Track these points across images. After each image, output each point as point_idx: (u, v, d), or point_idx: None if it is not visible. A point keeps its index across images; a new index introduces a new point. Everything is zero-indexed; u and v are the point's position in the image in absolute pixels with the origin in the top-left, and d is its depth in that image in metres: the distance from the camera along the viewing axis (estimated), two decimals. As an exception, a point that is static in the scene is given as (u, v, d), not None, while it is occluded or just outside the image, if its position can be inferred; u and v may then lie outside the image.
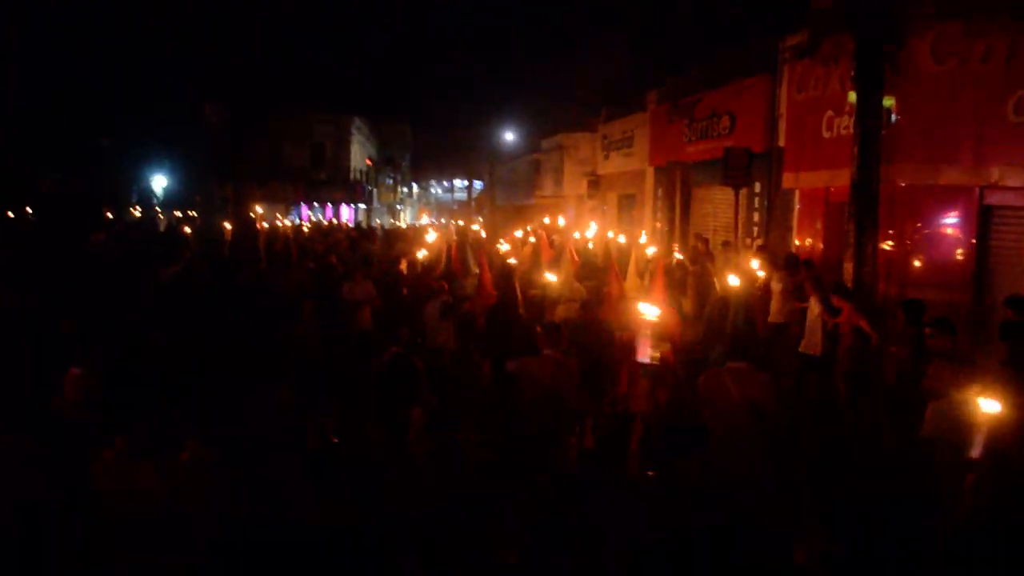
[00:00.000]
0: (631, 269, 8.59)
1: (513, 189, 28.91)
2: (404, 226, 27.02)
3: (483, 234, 14.71)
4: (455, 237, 11.75)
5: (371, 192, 39.29)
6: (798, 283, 7.48)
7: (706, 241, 11.14)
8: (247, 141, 31.05)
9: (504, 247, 11.02)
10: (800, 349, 6.84)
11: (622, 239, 11.90)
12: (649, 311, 4.64)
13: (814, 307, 6.78)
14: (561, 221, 16.40)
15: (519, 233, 13.11)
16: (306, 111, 33.52)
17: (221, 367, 5.60)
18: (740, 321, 6.97)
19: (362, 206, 37.90)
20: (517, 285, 7.83)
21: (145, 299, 8.41)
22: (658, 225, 14.90)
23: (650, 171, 15.79)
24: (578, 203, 20.74)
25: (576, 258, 9.00)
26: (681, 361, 5.87)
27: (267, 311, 7.83)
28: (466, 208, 38.86)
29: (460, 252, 9.89)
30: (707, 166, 12.62)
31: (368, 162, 39.97)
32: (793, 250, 9.38)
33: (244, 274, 9.81)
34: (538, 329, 5.24)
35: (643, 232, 13.26)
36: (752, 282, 7.91)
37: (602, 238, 12.13)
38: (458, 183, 52.64)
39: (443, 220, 25.86)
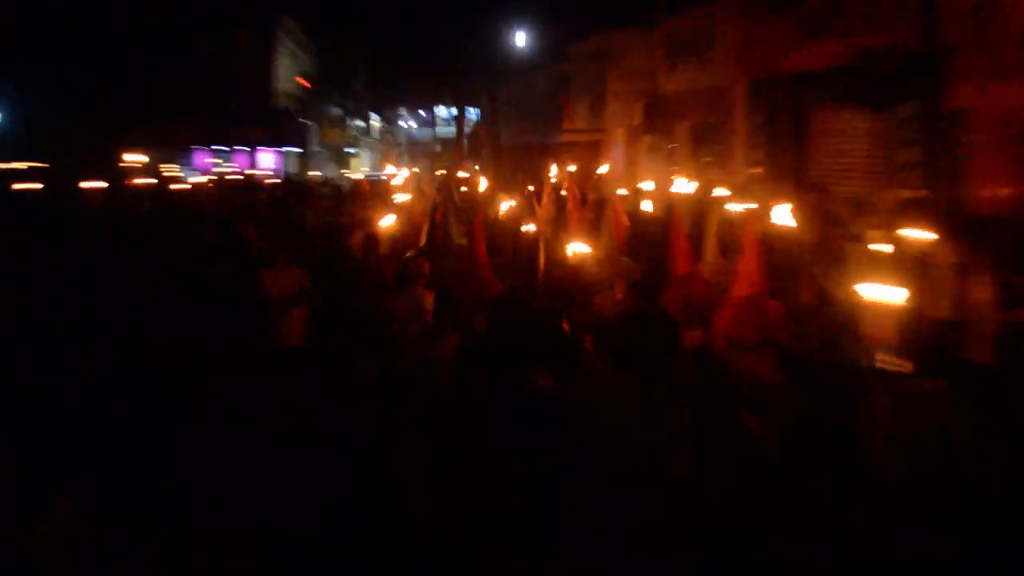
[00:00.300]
0: (709, 240, 8.63)
1: (528, 120, 28.99)
2: (360, 178, 27.00)
3: (481, 187, 14.62)
4: (436, 195, 11.75)
5: (308, 128, 39.37)
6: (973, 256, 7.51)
7: (828, 193, 10.98)
8: (119, 56, 31.22)
9: (506, 204, 11.00)
10: (961, 355, 6.88)
11: (691, 188, 11.80)
12: (887, 294, 4.64)
13: (987, 291, 6.89)
14: (603, 168, 16.48)
15: (532, 188, 13.17)
16: (210, 9, 33.52)
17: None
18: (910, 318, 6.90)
19: (294, 150, 38.07)
20: (540, 262, 7.99)
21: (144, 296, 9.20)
22: (756, 170, 14.79)
23: (741, 88, 15.75)
24: (629, 139, 20.79)
25: (625, 222, 9.21)
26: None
27: (162, 311, 8.17)
28: (456, 150, 38.65)
29: (442, 217, 10.07)
30: (832, 78, 12.58)
31: (303, 83, 39.95)
32: (971, 205, 9.39)
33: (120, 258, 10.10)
34: (565, 325, 5.28)
35: (730, 181, 13.12)
36: (910, 258, 7.97)
37: (664, 192, 12.12)
38: (443, 113, 52.18)
39: (419, 170, 25.02)
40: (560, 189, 12.70)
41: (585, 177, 15.09)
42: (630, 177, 15.25)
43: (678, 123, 18.92)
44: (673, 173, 14.54)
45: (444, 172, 20.42)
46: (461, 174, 16.51)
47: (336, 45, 42.84)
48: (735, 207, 10.40)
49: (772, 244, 8.17)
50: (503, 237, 10.18)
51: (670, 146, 19.17)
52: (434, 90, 44.20)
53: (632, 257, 8.49)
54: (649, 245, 9.14)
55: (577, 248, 8.17)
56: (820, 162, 13.55)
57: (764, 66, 14.63)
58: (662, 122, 19.36)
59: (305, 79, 40.31)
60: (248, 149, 36.07)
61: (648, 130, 19.69)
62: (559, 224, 10.59)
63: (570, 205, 10.88)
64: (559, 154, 21.99)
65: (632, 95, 20.44)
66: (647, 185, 12.42)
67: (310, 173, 29.56)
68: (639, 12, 19.85)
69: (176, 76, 32.19)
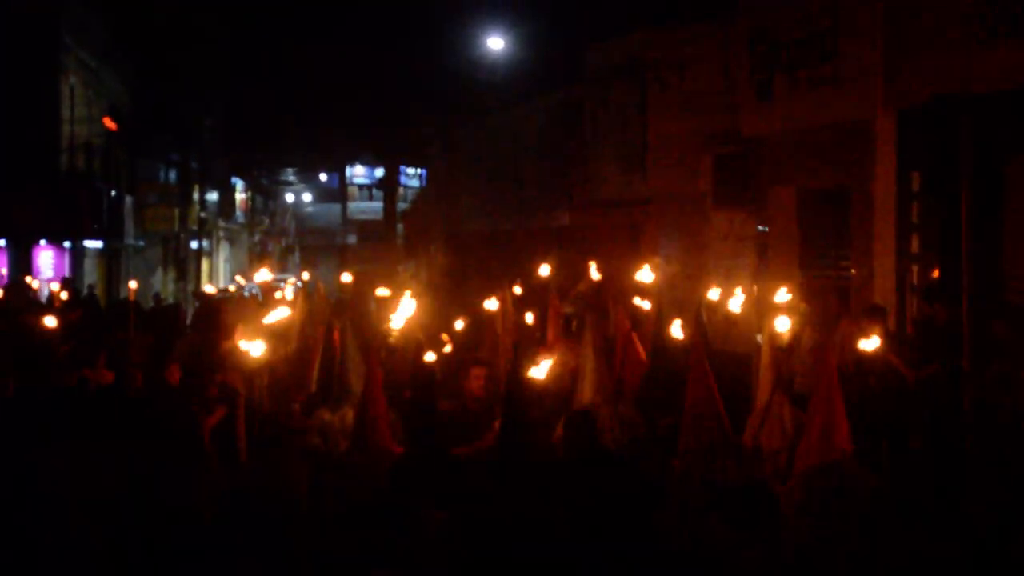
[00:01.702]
0: (764, 377, 7.85)
1: (508, 188, 23.95)
2: (210, 291, 22.03)
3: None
4: (335, 326, 10.03)
5: (122, 206, 27.19)
6: None
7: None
8: None
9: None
10: None
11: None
12: None
13: None
14: (593, 272, 13.85)
15: (492, 303, 11.04)
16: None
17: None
18: None
19: (94, 245, 25.81)
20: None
21: None
22: (912, 271, 12.54)
23: (885, 121, 12.82)
24: (686, 216, 17.67)
25: (640, 355, 9.16)
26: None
27: None
28: (383, 239, 33.13)
29: (339, 346, 9.11)
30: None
31: (110, 125, 27.30)
32: None
33: None
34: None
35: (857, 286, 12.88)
36: None
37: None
38: (361, 178, 43.45)
39: (308, 276, 20.37)
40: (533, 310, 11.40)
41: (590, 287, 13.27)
42: (686, 281, 13.98)
43: (775, 189, 15.23)
44: (766, 275, 13.47)
45: (351, 279, 16.93)
46: (381, 290, 13.35)
47: (173, 54, 28.80)
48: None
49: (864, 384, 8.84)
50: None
51: (760, 228, 15.74)
52: (346, 138, 35.09)
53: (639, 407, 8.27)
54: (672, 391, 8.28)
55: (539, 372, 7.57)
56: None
57: (924, 85, 11.54)
58: (746, 186, 15.87)
59: (114, 118, 26.92)
60: (15, 244, 23.14)
61: (722, 200, 16.13)
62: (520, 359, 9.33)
63: (551, 333, 10.35)
64: (569, 245, 19.75)
65: (694, 140, 16.80)
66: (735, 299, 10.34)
67: (132, 284, 18.01)
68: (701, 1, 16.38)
69: None
